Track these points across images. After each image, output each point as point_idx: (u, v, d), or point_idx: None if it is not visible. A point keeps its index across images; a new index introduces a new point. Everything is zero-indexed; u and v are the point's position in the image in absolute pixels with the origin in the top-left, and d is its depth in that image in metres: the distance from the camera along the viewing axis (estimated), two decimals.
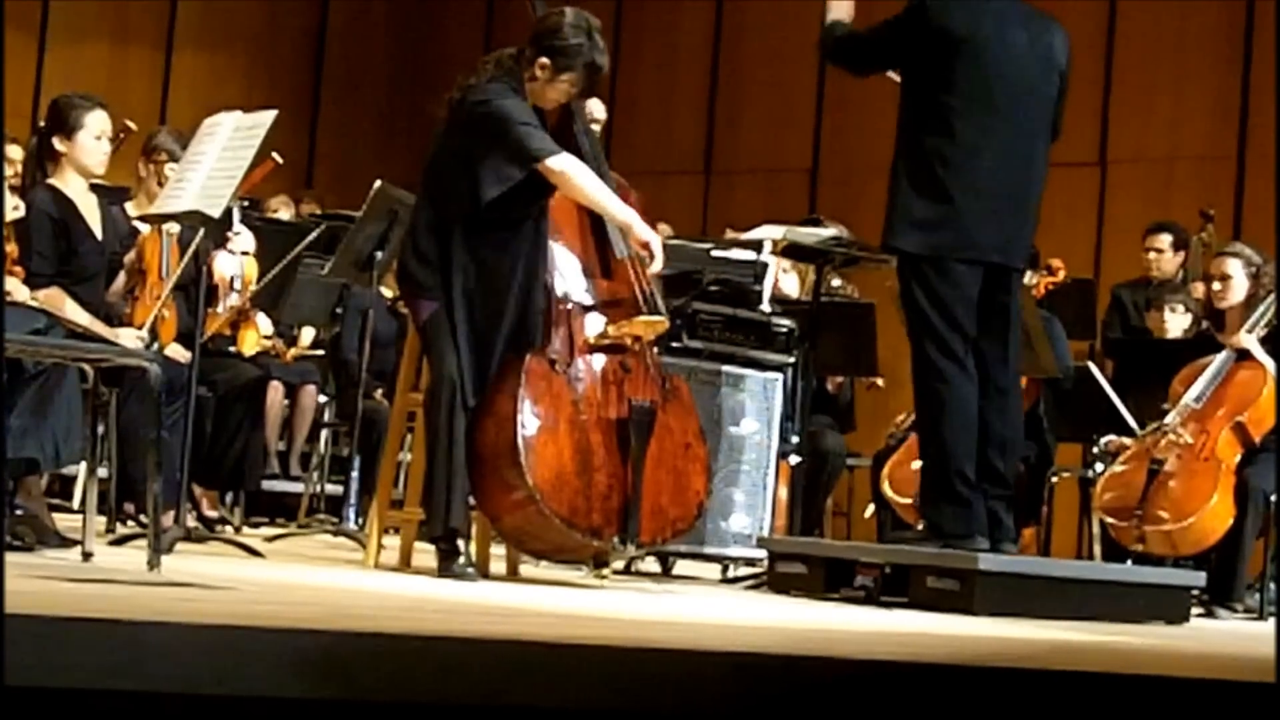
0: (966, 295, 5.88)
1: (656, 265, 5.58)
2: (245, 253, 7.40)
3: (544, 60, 5.55)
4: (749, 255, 6.94)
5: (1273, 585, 6.96)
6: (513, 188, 5.45)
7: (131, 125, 6.68)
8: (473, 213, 5.49)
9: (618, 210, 5.57)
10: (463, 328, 5.47)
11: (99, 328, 6.18)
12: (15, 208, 5.91)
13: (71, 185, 6.29)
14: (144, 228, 6.83)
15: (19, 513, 5.32)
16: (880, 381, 8.72)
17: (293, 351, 8.86)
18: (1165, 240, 9.01)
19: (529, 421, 5.40)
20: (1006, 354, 5.98)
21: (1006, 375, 5.98)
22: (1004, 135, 5.92)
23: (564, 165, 5.46)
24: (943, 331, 5.84)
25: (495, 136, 5.47)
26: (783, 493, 7.09)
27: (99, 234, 6.37)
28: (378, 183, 7.40)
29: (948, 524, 5.85)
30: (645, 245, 5.55)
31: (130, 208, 7.08)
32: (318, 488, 8.98)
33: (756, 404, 6.79)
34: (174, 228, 6.75)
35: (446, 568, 5.43)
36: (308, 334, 9.16)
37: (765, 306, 6.99)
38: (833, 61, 6.49)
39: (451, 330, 5.48)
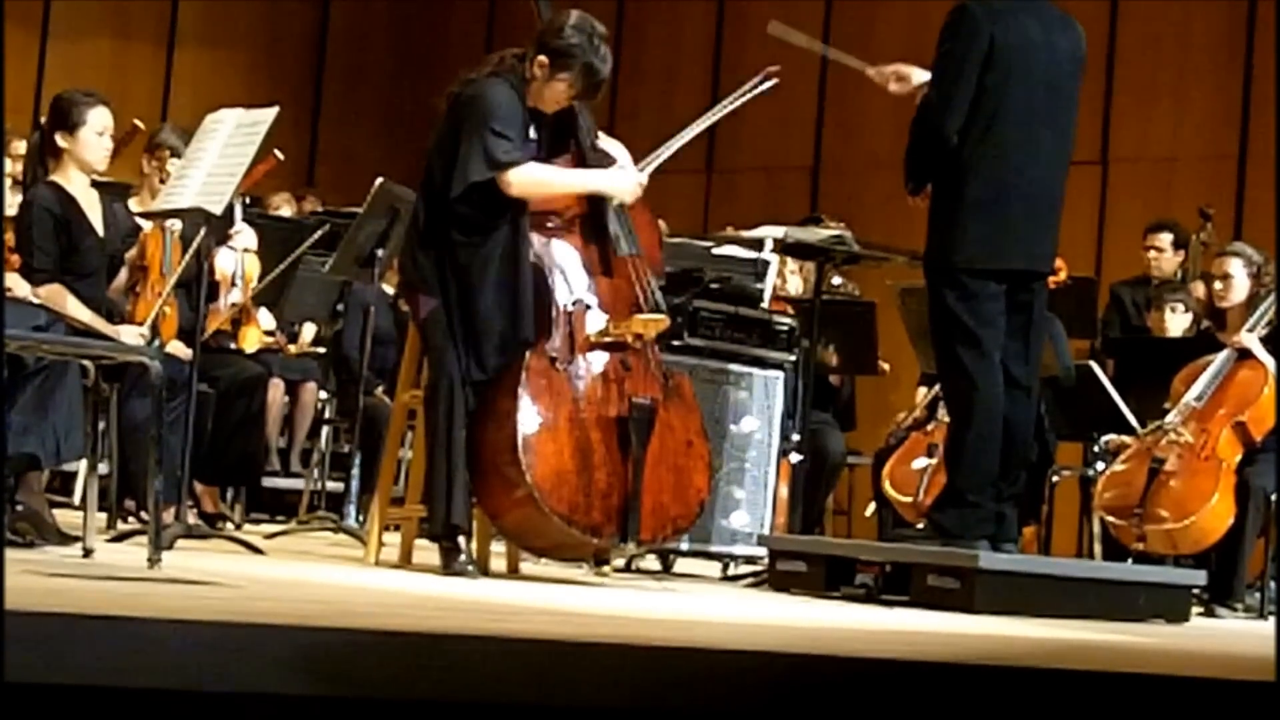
0: (995, 293, 5.89)
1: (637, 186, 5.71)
2: (247, 250, 7.40)
3: (542, 59, 5.54)
4: (750, 253, 6.94)
5: (1273, 584, 6.96)
6: (481, 189, 5.44)
7: (140, 124, 6.68)
8: (457, 209, 5.48)
9: (591, 181, 5.63)
10: (457, 323, 5.47)
11: (100, 324, 6.18)
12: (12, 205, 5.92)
13: (74, 182, 6.29)
14: (146, 224, 6.83)
15: (19, 509, 5.32)
16: (887, 366, 8.70)
17: (294, 348, 8.86)
18: (1165, 239, 9.00)
19: (529, 419, 5.40)
20: (1027, 351, 5.98)
21: (1026, 371, 5.97)
22: (1046, 144, 5.91)
23: (519, 176, 5.45)
24: (974, 329, 5.84)
25: (471, 131, 5.46)
26: (783, 491, 7.08)
27: (100, 230, 6.36)
28: (379, 180, 7.39)
29: (951, 524, 5.86)
30: (633, 197, 5.68)
31: (133, 204, 7.09)
32: (318, 485, 8.97)
33: (758, 402, 6.79)
34: (176, 224, 6.75)
35: (447, 565, 5.44)
36: (309, 331, 9.16)
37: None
38: (929, 150, 5.89)
39: (450, 326, 5.47)
